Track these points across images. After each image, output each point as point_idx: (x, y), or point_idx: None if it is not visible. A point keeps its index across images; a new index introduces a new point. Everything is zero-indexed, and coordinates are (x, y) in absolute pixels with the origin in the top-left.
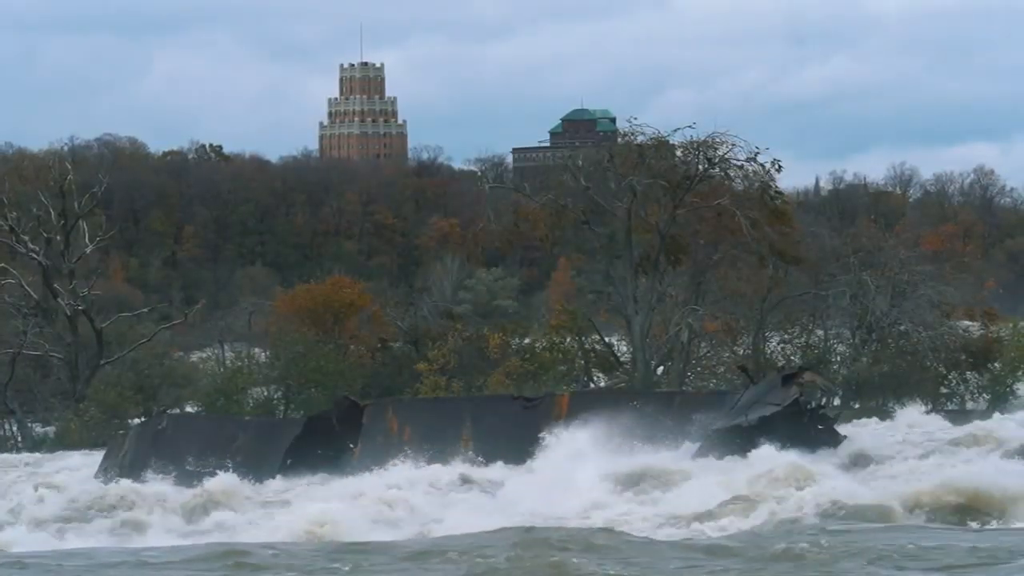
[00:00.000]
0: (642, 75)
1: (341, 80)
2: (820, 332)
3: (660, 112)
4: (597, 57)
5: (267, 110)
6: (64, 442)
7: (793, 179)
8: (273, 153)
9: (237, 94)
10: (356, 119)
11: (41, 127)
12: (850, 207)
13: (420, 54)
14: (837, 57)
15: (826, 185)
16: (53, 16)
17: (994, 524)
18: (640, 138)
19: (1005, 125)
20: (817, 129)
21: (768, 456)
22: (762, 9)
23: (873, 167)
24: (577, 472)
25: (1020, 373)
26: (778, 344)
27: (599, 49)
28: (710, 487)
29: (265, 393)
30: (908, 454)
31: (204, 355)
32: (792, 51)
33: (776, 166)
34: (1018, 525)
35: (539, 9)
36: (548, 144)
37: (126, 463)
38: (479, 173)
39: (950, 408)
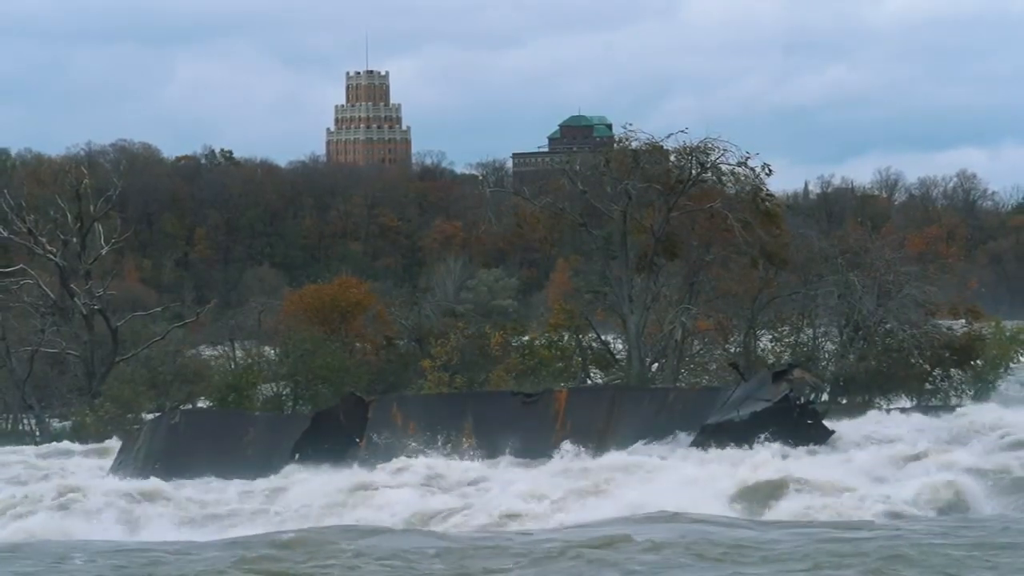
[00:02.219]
0: (647, 83)
1: (347, 87)
2: (809, 330)
3: (664, 119)
4: (604, 66)
5: (278, 117)
6: (80, 436)
7: (790, 183)
8: (282, 158)
9: (251, 102)
10: (362, 125)
11: (66, 134)
12: (838, 210)
13: (426, 63)
14: (835, 66)
15: (815, 189)
16: (82, 26)
17: None
18: (635, 143)
19: (994, 131)
20: (814, 135)
21: None
22: (764, 20)
23: (867, 171)
24: None
25: (1002, 370)
26: (768, 342)
27: (606, 58)
28: None
29: (274, 389)
30: None
31: (215, 352)
32: (792, 60)
33: (766, 170)
34: None
35: (548, 21)
36: (547, 149)
37: (141, 457)
38: (480, 177)
39: (934, 403)
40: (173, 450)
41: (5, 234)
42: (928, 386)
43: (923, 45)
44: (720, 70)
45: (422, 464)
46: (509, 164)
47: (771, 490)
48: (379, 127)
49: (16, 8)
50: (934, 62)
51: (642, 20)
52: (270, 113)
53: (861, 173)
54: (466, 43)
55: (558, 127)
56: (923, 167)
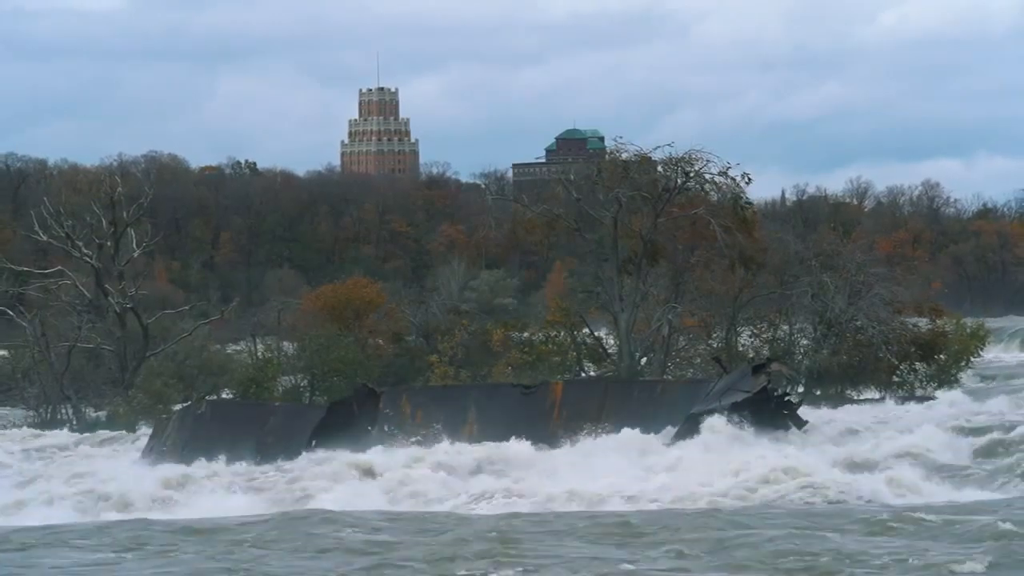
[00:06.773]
0: (656, 98)
1: (360, 103)
2: (785, 327)
3: (669, 132)
4: (615, 83)
5: (305, 130)
6: (114, 425)
7: (773, 191)
8: (302, 168)
9: (281, 117)
10: (373, 138)
11: (105, 146)
12: (812, 216)
13: (443, 81)
14: (829, 82)
15: (791, 196)
16: (137, 46)
17: None
18: (625, 155)
19: (970, 143)
20: (807, 146)
21: None
22: (767, 40)
23: (849, 180)
24: None
25: (963, 363)
26: (748, 338)
27: (617, 76)
28: None
29: (293, 381)
30: None
31: (238, 348)
32: (790, 76)
33: (746, 179)
34: None
35: (565, 40)
36: (544, 160)
37: (170, 443)
38: (483, 186)
39: (901, 395)
40: (200, 437)
41: (45, 238)
42: (895, 379)
43: (911, 62)
44: (724, 86)
45: None
46: (509, 174)
47: None
48: (389, 140)
49: (73, 29)
50: (920, 78)
51: (655, 40)
52: (298, 127)
53: (842, 182)
54: (486, 61)
55: (555, 139)
56: (910, 176)
